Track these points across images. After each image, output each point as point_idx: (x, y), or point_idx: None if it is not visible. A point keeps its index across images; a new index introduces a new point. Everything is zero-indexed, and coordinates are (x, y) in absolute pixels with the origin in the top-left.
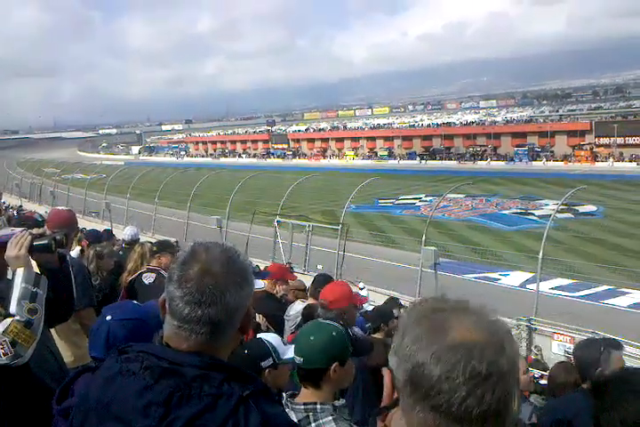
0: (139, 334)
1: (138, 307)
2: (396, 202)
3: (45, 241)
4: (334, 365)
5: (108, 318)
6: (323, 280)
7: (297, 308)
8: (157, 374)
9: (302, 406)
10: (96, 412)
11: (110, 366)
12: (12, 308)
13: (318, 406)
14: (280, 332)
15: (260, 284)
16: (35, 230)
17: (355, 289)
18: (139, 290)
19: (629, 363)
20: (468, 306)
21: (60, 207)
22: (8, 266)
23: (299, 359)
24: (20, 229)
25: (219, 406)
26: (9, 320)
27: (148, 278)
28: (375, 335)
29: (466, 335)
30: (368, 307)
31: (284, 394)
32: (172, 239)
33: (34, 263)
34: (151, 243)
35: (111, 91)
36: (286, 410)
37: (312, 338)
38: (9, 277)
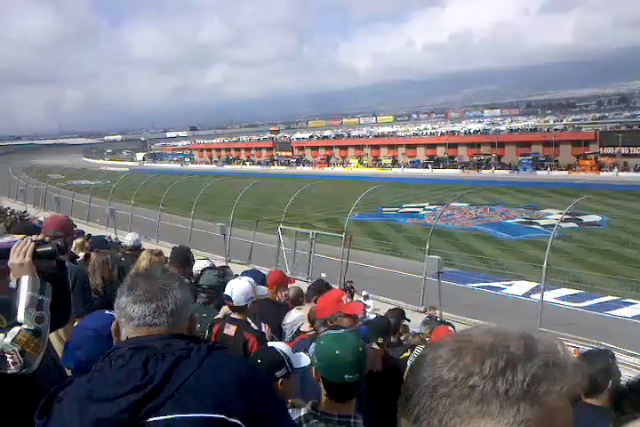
0: (105, 342)
1: (109, 316)
2: (400, 210)
3: (49, 248)
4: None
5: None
6: (316, 286)
7: (293, 316)
8: (130, 353)
9: (337, 418)
10: (79, 402)
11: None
12: (20, 316)
13: (352, 420)
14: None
15: (264, 291)
16: (34, 237)
17: (357, 298)
18: None
19: (631, 373)
20: None
21: (57, 214)
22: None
23: (329, 375)
24: (20, 236)
25: (192, 355)
26: (17, 329)
27: None
28: (374, 346)
29: None
30: (370, 316)
31: (307, 405)
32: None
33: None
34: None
35: (116, 98)
36: (312, 421)
37: (337, 352)
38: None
